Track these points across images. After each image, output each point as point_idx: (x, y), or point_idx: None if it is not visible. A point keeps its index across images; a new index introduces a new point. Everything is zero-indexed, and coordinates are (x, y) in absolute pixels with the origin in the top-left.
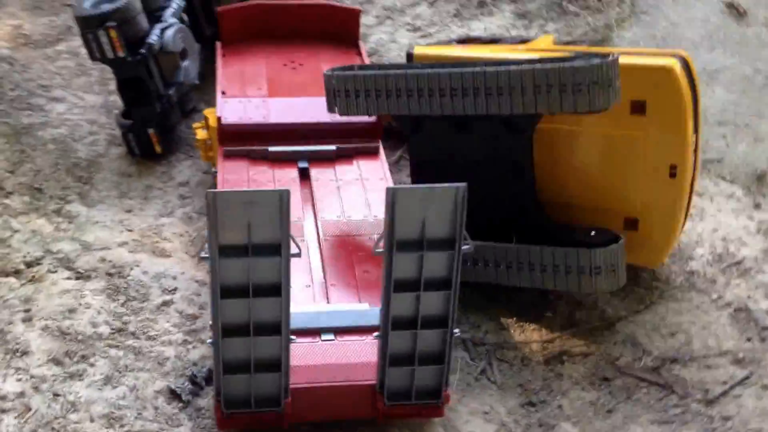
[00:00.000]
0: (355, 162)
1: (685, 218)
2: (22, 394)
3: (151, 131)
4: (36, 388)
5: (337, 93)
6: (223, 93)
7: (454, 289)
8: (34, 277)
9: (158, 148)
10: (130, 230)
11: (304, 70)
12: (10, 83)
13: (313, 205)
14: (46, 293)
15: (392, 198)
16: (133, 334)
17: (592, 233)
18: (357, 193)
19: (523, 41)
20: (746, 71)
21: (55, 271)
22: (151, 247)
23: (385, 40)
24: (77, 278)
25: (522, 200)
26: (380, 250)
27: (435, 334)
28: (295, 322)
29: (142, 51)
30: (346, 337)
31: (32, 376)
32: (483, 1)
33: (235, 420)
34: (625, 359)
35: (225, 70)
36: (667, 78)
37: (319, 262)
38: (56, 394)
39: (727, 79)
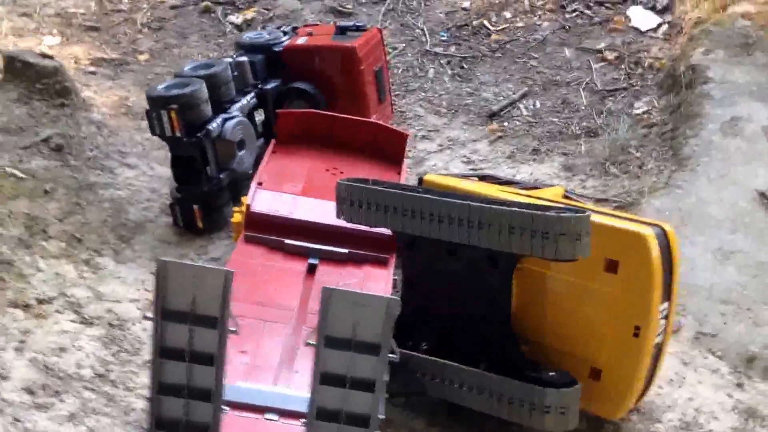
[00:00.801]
0: (363, 268)
1: (651, 379)
2: None
3: (195, 207)
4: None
5: (344, 201)
6: (260, 184)
7: (377, 393)
8: (40, 314)
9: (200, 224)
10: (147, 290)
11: (344, 177)
12: (92, 144)
13: (307, 297)
14: (45, 330)
15: (327, 297)
16: (112, 381)
17: (551, 374)
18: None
19: (535, 188)
20: (762, 258)
21: (62, 313)
22: None
23: (439, 167)
24: (80, 323)
25: (496, 331)
26: (312, 342)
27: (358, 431)
28: (242, 397)
29: (199, 135)
30: (290, 420)
31: (2, 399)
32: (537, 149)
33: None
34: None
35: (269, 165)
36: (639, 244)
37: (292, 347)
38: (17, 419)
39: (740, 262)
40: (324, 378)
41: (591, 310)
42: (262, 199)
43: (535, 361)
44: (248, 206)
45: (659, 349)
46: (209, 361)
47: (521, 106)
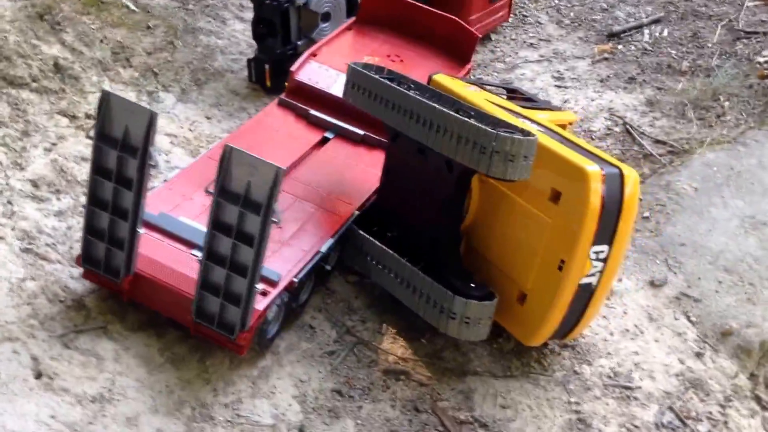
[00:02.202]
0: (373, 152)
1: (579, 319)
2: None
3: (267, 67)
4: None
5: (349, 82)
6: (313, 55)
7: (256, 249)
8: (81, 126)
9: (268, 83)
10: (190, 131)
11: (401, 66)
12: None
13: (300, 164)
14: (78, 140)
15: (227, 153)
16: None
17: (473, 285)
18: (350, 174)
19: (551, 109)
20: None
21: None
22: (190, 148)
23: (527, 76)
24: None
25: (444, 235)
26: (211, 191)
27: (240, 280)
28: (175, 228)
29: (283, 1)
30: (195, 252)
31: (6, 183)
32: (633, 78)
33: (89, 274)
34: (446, 404)
35: (334, 39)
36: (579, 178)
37: None
38: (9, 202)
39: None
40: (215, 224)
41: (530, 236)
42: (308, 69)
43: (470, 271)
44: (291, 72)
45: (590, 291)
46: (129, 186)
47: (647, 31)
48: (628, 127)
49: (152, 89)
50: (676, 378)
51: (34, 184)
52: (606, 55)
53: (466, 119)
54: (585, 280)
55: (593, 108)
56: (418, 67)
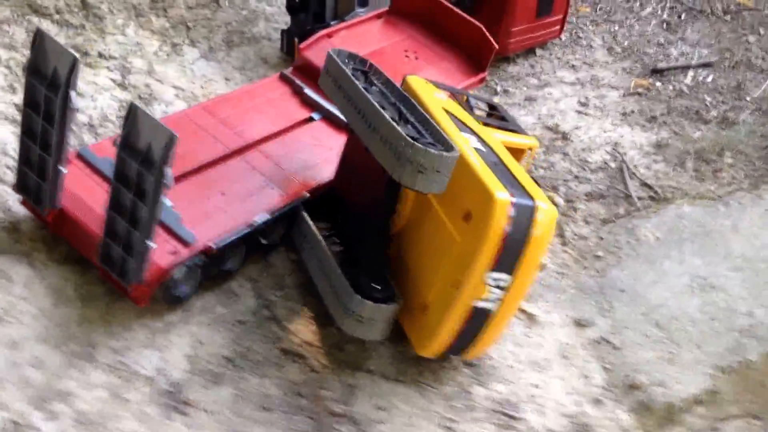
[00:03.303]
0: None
1: (473, 341)
2: None
3: (296, 39)
4: None
5: (324, 68)
6: (328, 36)
7: (149, 207)
8: (90, 63)
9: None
10: (202, 87)
11: (412, 63)
12: None
13: (272, 139)
14: (86, 79)
15: (134, 110)
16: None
17: (377, 287)
18: (319, 157)
19: (515, 131)
20: (739, 308)
21: (111, 71)
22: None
23: (552, 96)
24: (117, 84)
25: (371, 233)
26: (117, 144)
27: (137, 235)
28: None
29: None
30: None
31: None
32: (654, 118)
33: (25, 202)
34: (328, 395)
35: (356, 25)
36: (487, 203)
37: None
38: None
39: (711, 302)
40: (118, 177)
41: (440, 250)
42: (317, 48)
43: (386, 274)
44: (300, 48)
45: (485, 315)
46: (52, 123)
47: (691, 73)
48: (623, 165)
49: (178, 42)
50: (567, 419)
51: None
52: (641, 90)
53: (392, 122)
54: (481, 304)
55: (600, 140)
56: (432, 66)
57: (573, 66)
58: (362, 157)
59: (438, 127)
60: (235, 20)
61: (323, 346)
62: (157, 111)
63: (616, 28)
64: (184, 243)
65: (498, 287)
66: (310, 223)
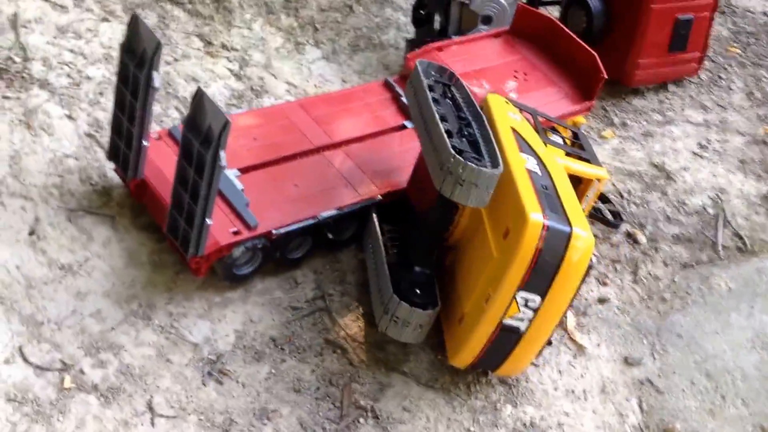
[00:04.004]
0: None
1: (504, 359)
2: None
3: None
4: None
5: (410, 78)
6: (439, 49)
7: (206, 183)
8: (210, 53)
9: None
10: (316, 87)
11: (522, 86)
12: None
13: (363, 141)
14: (201, 65)
15: (200, 95)
16: None
17: (418, 291)
18: (401, 163)
19: (587, 160)
20: None
21: (230, 61)
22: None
23: (673, 135)
24: (232, 75)
25: (425, 239)
26: (184, 123)
27: (194, 208)
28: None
29: None
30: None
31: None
32: None
33: (117, 168)
34: (358, 388)
35: (472, 42)
36: (521, 222)
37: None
38: None
39: None
40: (184, 154)
41: (481, 264)
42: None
43: (432, 281)
44: (407, 58)
45: (518, 334)
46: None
47: None
48: (721, 212)
49: (302, 41)
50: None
51: (161, 89)
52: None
53: (443, 133)
54: (511, 322)
55: (706, 184)
56: (538, 90)
57: (704, 106)
58: (425, 166)
59: (495, 145)
60: (366, 26)
61: (366, 343)
62: (265, 103)
63: (763, 72)
64: (247, 225)
65: (528, 307)
66: (376, 223)
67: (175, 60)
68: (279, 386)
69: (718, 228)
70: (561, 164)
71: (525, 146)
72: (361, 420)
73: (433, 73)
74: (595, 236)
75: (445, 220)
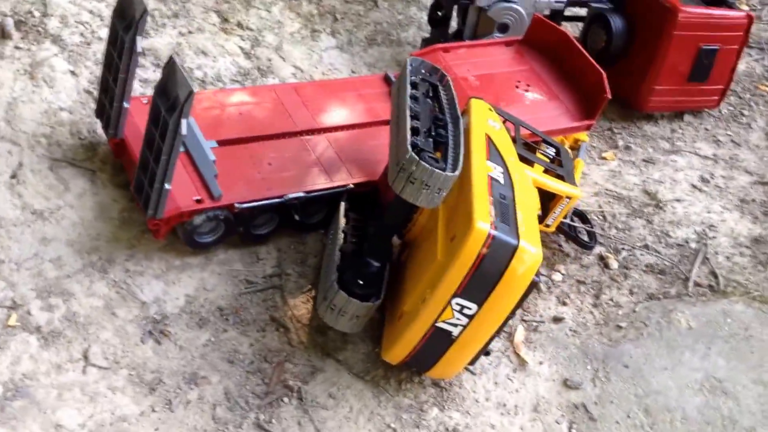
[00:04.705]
0: None
1: (436, 361)
2: None
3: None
4: None
5: (399, 75)
6: (445, 50)
7: (167, 150)
8: (226, 29)
9: None
10: (323, 74)
11: (518, 94)
12: None
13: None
14: (213, 40)
15: (170, 62)
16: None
17: (361, 282)
18: (383, 156)
19: (562, 178)
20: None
21: (243, 39)
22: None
23: (678, 165)
24: (241, 52)
25: (379, 231)
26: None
27: (156, 171)
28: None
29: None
30: None
31: None
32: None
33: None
34: (290, 368)
35: (481, 47)
36: (467, 228)
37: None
38: None
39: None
40: (152, 118)
41: (426, 264)
42: (427, 58)
43: (380, 274)
44: (410, 55)
45: (450, 339)
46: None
47: None
48: (703, 248)
49: (318, 29)
50: None
51: (144, 53)
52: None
53: (407, 130)
54: (444, 326)
55: (696, 218)
56: (539, 102)
57: (717, 141)
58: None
59: (461, 149)
60: (387, 22)
61: (309, 325)
62: (268, 83)
63: None
64: (211, 195)
65: (463, 314)
66: (342, 210)
67: (189, 32)
68: (214, 354)
69: (695, 264)
70: (529, 177)
71: (495, 154)
72: (285, 400)
73: (423, 71)
74: (567, 255)
75: (401, 217)
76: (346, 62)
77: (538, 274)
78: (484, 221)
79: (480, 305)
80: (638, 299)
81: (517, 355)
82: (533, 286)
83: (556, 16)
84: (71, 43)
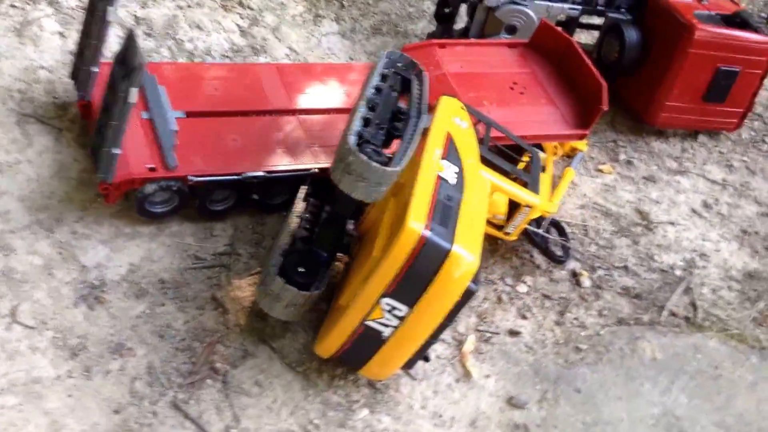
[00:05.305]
0: None
1: (367, 360)
2: None
3: None
4: None
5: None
6: (441, 46)
7: (116, 115)
8: (226, 6)
9: None
10: (320, 59)
11: (511, 96)
12: None
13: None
14: (210, 15)
15: (131, 34)
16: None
17: (302, 271)
18: None
19: (524, 184)
20: None
21: (241, 18)
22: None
23: (681, 187)
24: (238, 30)
25: (328, 220)
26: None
27: (107, 135)
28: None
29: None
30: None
31: None
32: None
33: None
34: (222, 350)
35: (481, 46)
36: (400, 231)
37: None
38: None
39: None
40: (110, 82)
41: (364, 259)
42: (421, 52)
43: (324, 262)
44: (404, 47)
45: (380, 339)
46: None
47: None
48: (688, 277)
49: (322, 14)
50: None
51: (138, 21)
52: None
53: (356, 120)
54: (374, 325)
55: (689, 245)
56: (533, 106)
57: (730, 165)
58: None
59: (409, 146)
60: (396, 13)
61: (250, 309)
62: (259, 61)
63: None
64: (165, 165)
65: (393, 315)
66: (301, 194)
67: (188, 6)
68: (146, 327)
69: (674, 292)
70: (487, 180)
71: (453, 154)
72: (209, 381)
73: (399, 64)
74: (537, 267)
75: (349, 207)
76: (345, 49)
77: (476, 281)
78: (418, 221)
79: (410, 308)
80: (606, 322)
81: (463, 365)
82: (469, 294)
83: (571, 23)
84: (67, 6)
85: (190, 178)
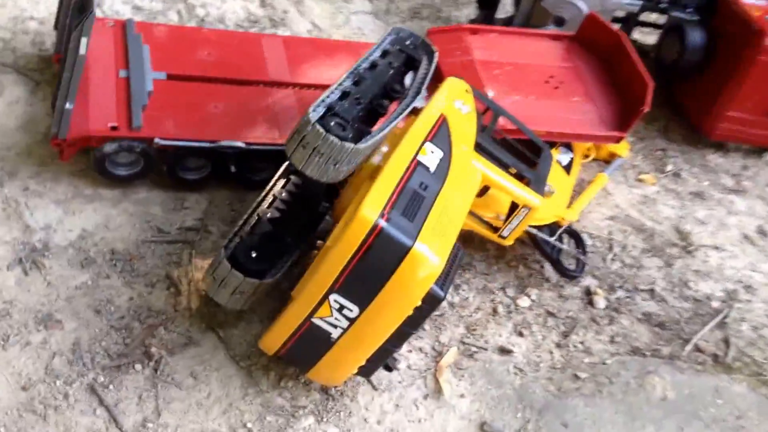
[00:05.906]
0: None
1: (315, 362)
2: None
3: None
4: None
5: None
6: (473, 32)
7: (68, 68)
8: None
9: None
10: (345, 37)
11: (544, 89)
12: None
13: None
14: None
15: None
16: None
17: (254, 256)
18: None
19: (523, 180)
20: None
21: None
22: None
23: (723, 205)
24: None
25: (299, 209)
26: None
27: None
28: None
29: None
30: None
31: None
32: None
33: None
34: (163, 335)
35: (520, 36)
36: (352, 218)
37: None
38: None
39: None
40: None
41: (323, 249)
42: (447, 37)
43: (287, 250)
44: (428, 31)
45: (327, 338)
46: None
47: None
48: (726, 310)
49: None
50: None
51: (136, 7)
52: None
53: (333, 89)
54: (321, 324)
55: (734, 273)
56: (567, 102)
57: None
58: None
59: (387, 125)
60: (420, 2)
61: (206, 293)
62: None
63: None
64: (129, 125)
65: (342, 314)
66: (279, 172)
67: None
68: (83, 300)
69: (706, 326)
70: (479, 172)
71: (443, 138)
72: (137, 367)
73: (408, 43)
74: (546, 279)
75: (314, 189)
76: (376, 29)
77: (443, 287)
78: (373, 209)
79: (362, 308)
80: (617, 350)
81: (436, 380)
82: (435, 300)
83: (630, 19)
84: None
85: (156, 140)
